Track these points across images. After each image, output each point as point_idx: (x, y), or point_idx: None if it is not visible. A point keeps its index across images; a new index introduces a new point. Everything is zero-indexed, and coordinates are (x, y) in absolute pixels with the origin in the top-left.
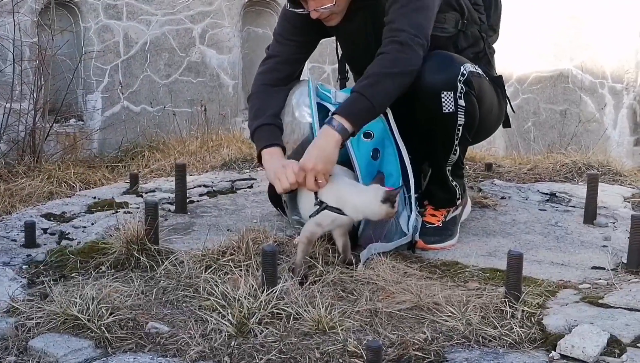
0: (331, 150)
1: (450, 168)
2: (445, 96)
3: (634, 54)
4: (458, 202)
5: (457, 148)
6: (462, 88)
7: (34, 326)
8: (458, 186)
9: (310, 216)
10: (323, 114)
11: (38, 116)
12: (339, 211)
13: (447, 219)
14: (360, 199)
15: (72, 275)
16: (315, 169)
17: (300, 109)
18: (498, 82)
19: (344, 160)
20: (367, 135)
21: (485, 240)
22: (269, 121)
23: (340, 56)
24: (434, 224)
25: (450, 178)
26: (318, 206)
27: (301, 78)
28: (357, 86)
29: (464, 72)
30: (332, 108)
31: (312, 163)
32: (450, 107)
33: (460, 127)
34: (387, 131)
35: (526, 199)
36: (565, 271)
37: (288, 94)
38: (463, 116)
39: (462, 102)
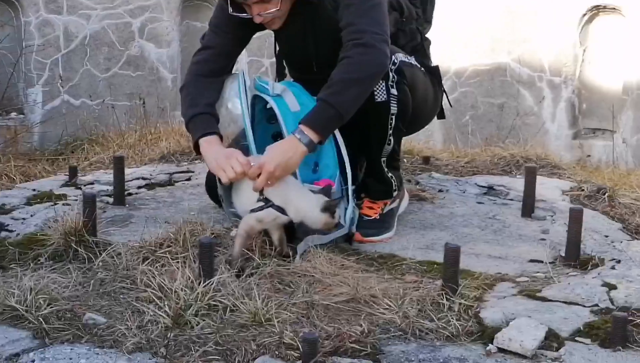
0: (295, 161)
1: (385, 159)
2: (378, 85)
3: (571, 48)
4: (395, 194)
5: (391, 138)
6: (393, 77)
7: None
8: (394, 178)
9: (251, 211)
10: (261, 105)
11: None
12: (282, 211)
13: (384, 211)
14: (303, 204)
15: (11, 266)
16: (273, 174)
17: (233, 101)
18: (434, 73)
19: None
20: None
21: (422, 232)
22: (204, 110)
23: (277, 52)
24: (371, 216)
25: (386, 170)
26: (263, 203)
27: (234, 71)
28: (322, 94)
29: (395, 61)
30: (269, 100)
31: (272, 167)
32: (383, 96)
33: (393, 117)
34: None
35: (464, 192)
36: (503, 265)
37: (222, 87)
38: (396, 105)
39: (394, 91)
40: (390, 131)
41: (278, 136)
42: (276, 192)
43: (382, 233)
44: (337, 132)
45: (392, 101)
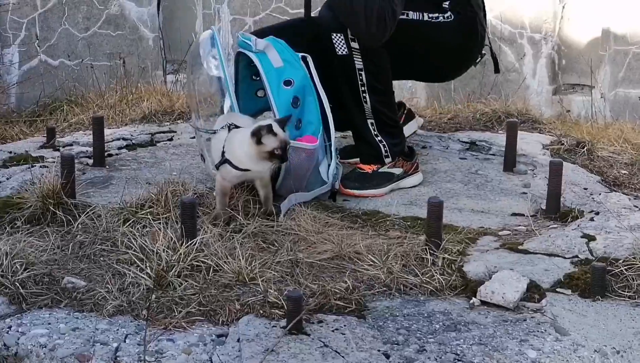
0: None
1: (373, 122)
2: (336, 37)
3: (551, 4)
4: (387, 161)
5: (367, 96)
6: None
7: None
8: (385, 144)
9: (216, 167)
10: (245, 62)
11: None
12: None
13: (378, 170)
14: (239, 148)
15: None
16: None
17: (207, 60)
18: (466, 23)
19: (265, 107)
20: (288, 83)
21: (406, 189)
22: None
23: None
24: (365, 170)
25: (375, 133)
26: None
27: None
28: None
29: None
30: (252, 56)
31: None
32: (343, 50)
33: (362, 73)
34: (307, 78)
35: (447, 148)
36: (486, 219)
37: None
38: (360, 60)
39: (355, 44)
40: (363, 88)
41: (261, 92)
42: (229, 146)
43: (365, 188)
44: (320, 89)
45: (355, 55)
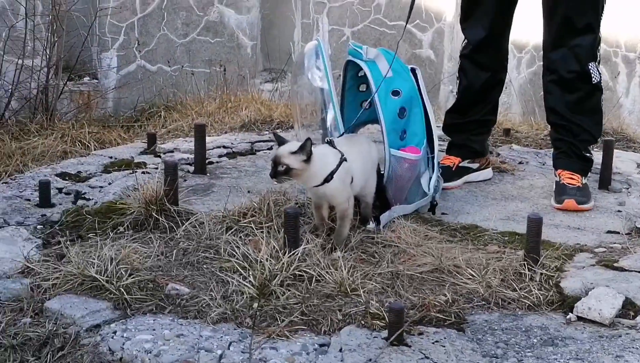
0: None
1: None
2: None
3: None
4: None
5: None
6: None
7: (50, 287)
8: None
9: None
10: (353, 72)
11: (51, 73)
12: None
13: (583, 183)
14: None
15: (89, 235)
16: None
17: (312, 71)
18: None
19: (372, 118)
20: (396, 93)
21: (504, 204)
22: None
23: None
24: (575, 185)
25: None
26: None
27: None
28: None
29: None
30: (362, 64)
31: None
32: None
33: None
34: (415, 90)
35: (543, 164)
36: (582, 236)
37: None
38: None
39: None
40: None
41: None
42: None
43: (589, 202)
44: (427, 102)
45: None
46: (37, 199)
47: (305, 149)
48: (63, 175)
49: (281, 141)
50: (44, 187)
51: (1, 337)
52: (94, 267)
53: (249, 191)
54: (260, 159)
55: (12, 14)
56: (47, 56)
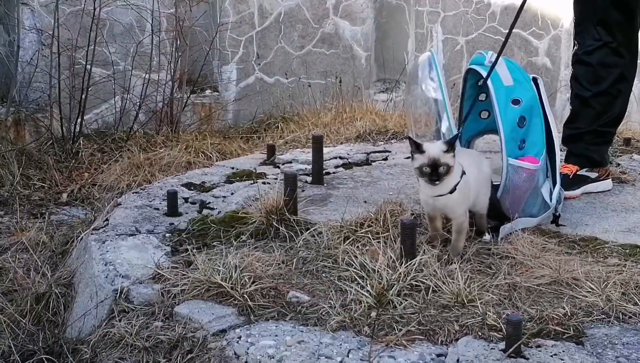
0: None
1: None
2: None
3: None
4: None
5: None
6: None
7: (179, 293)
8: None
9: None
10: (473, 81)
11: (175, 87)
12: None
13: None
14: None
15: (214, 243)
16: None
17: (426, 82)
18: None
19: (487, 128)
20: (516, 102)
21: (624, 215)
22: None
23: None
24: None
25: None
26: None
27: (431, 51)
28: None
29: None
30: (482, 72)
31: None
32: None
33: None
34: (536, 100)
35: None
36: None
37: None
38: None
39: None
40: None
41: (485, 113)
42: None
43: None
44: (549, 112)
45: None
46: (166, 208)
47: (454, 146)
48: (188, 185)
49: (417, 146)
50: (171, 197)
51: (135, 339)
52: (219, 274)
53: (365, 201)
54: (375, 169)
55: (139, 31)
56: (172, 70)
